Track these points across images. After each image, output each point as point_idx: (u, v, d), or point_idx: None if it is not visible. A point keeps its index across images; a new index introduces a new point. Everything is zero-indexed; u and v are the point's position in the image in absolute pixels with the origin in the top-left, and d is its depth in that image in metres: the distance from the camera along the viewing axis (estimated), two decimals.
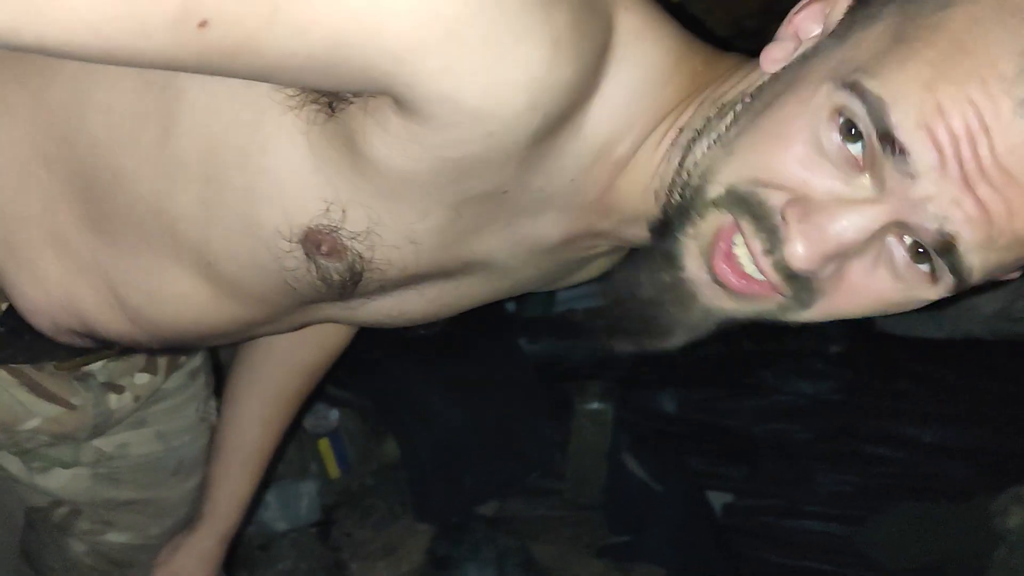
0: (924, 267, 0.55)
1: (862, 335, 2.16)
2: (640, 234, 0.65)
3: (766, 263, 0.56)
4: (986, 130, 0.50)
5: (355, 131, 0.58)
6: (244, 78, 0.56)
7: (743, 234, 0.57)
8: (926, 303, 0.59)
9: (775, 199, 0.55)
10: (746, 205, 0.56)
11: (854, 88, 0.52)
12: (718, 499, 2.23)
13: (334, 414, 1.97)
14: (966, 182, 0.51)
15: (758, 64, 0.62)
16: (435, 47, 0.50)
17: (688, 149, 0.61)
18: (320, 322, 0.82)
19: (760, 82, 0.61)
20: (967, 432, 2.10)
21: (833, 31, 0.58)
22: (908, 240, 0.55)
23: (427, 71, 0.51)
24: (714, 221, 0.58)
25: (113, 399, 0.94)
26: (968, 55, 0.50)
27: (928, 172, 0.51)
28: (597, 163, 0.63)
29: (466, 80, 0.52)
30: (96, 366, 0.92)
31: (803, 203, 0.55)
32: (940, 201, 0.52)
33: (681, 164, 0.61)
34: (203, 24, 0.48)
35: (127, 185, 0.67)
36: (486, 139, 0.55)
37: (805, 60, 0.58)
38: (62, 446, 0.99)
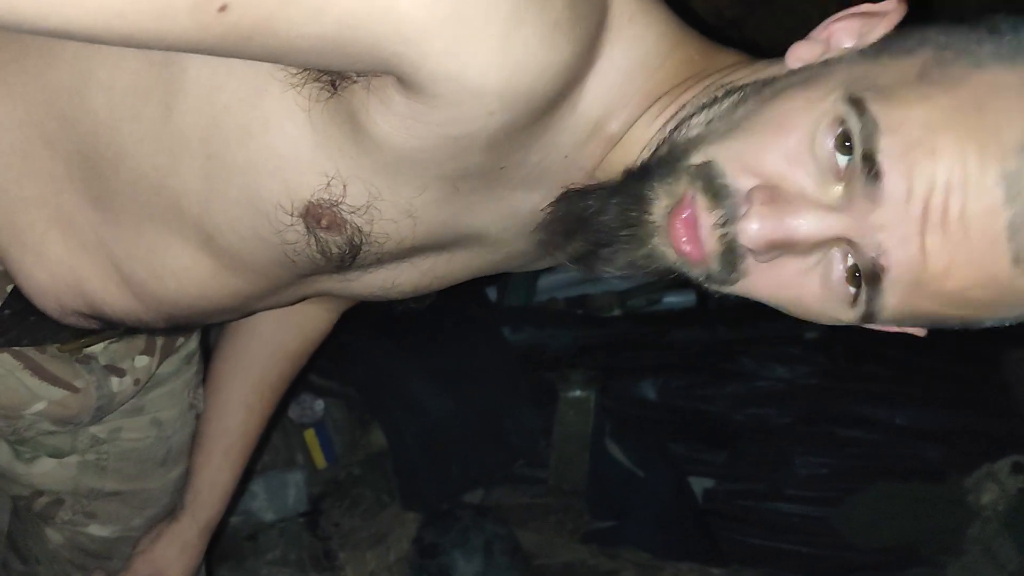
0: (852, 289, 0.58)
1: None
2: None
3: (711, 235, 0.59)
4: (965, 187, 0.52)
5: (357, 108, 0.60)
6: (255, 60, 0.57)
7: (697, 206, 0.60)
8: (838, 323, 0.62)
9: (745, 183, 0.58)
10: (710, 184, 0.59)
11: (857, 104, 0.55)
12: (699, 484, 2.26)
13: (320, 404, 1.98)
14: (921, 226, 0.53)
15: (772, 64, 0.64)
16: (441, 29, 0.52)
17: (689, 118, 0.63)
18: (317, 295, 0.83)
19: (778, 74, 0.63)
20: (940, 414, 2.14)
21: (864, 49, 0.60)
22: (850, 260, 0.58)
23: (432, 52, 0.53)
24: (681, 187, 0.61)
25: (115, 382, 0.95)
26: (980, 115, 0.52)
27: (891, 203, 0.53)
28: (591, 139, 0.65)
29: (469, 61, 0.54)
30: (98, 349, 0.93)
31: (772, 190, 0.57)
32: (890, 234, 0.54)
33: (677, 128, 0.63)
34: (223, 8, 0.50)
35: (129, 162, 0.68)
36: (487, 118, 0.57)
37: (827, 64, 0.60)
38: (61, 434, 0.99)
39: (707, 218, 0.59)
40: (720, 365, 2.24)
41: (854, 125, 0.54)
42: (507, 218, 0.71)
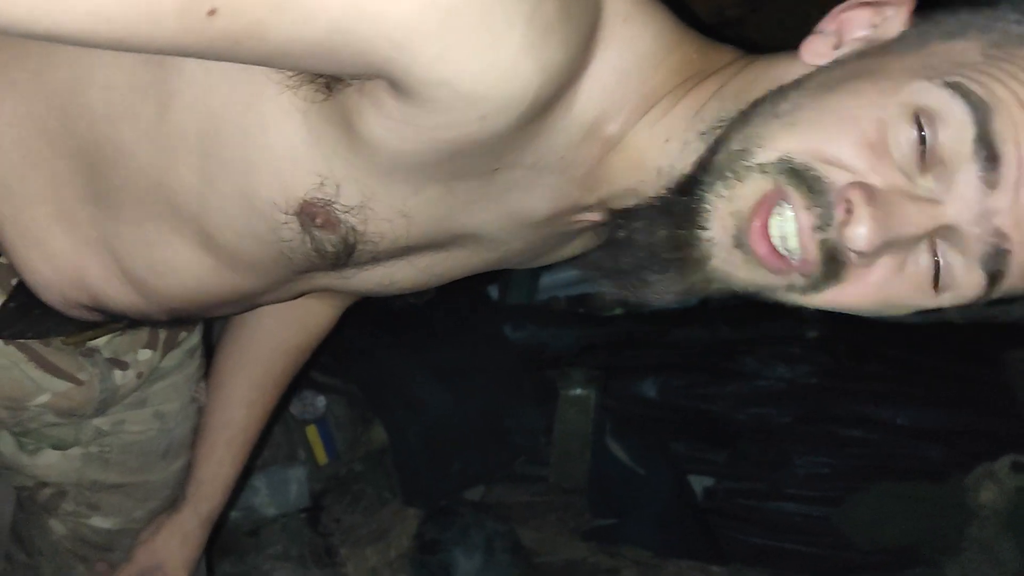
0: (936, 279, 0.57)
1: (838, 320, 2.19)
2: (629, 203, 0.67)
3: (812, 239, 0.56)
4: None
5: (351, 111, 0.60)
6: (245, 63, 0.57)
7: (793, 205, 0.56)
8: (919, 309, 0.60)
9: (836, 177, 0.55)
10: (801, 177, 0.56)
11: (957, 88, 0.53)
12: (699, 483, 2.27)
13: (321, 401, 1.98)
14: None
15: (777, 61, 0.63)
16: (432, 34, 0.52)
17: (726, 133, 0.60)
18: (315, 291, 0.84)
19: (805, 71, 0.61)
20: (941, 414, 2.15)
21: (902, 38, 0.59)
22: (940, 251, 0.56)
23: (424, 57, 0.53)
24: (758, 186, 0.57)
25: (118, 375, 0.96)
26: None
27: (1007, 187, 0.53)
28: (586, 141, 0.65)
29: (461, 65, 0.54)
30: (101, 342, 0.94)
31: (868, 188, 0.55)
32: (1005, 217, 0.53)
33: (718, 134, 0.61)
34: (212, 12, 0.49)
35: (128, 160, 0.68)
36: (479, 121, 0.57)
37: (867, 55, 0.59)
38: (65, 425, 1.00)
39: (807, 218, 0.55)
40: (721, 364, 2.25)
41: (958, 110, 0.53)
42: (503, 218, 0.71)
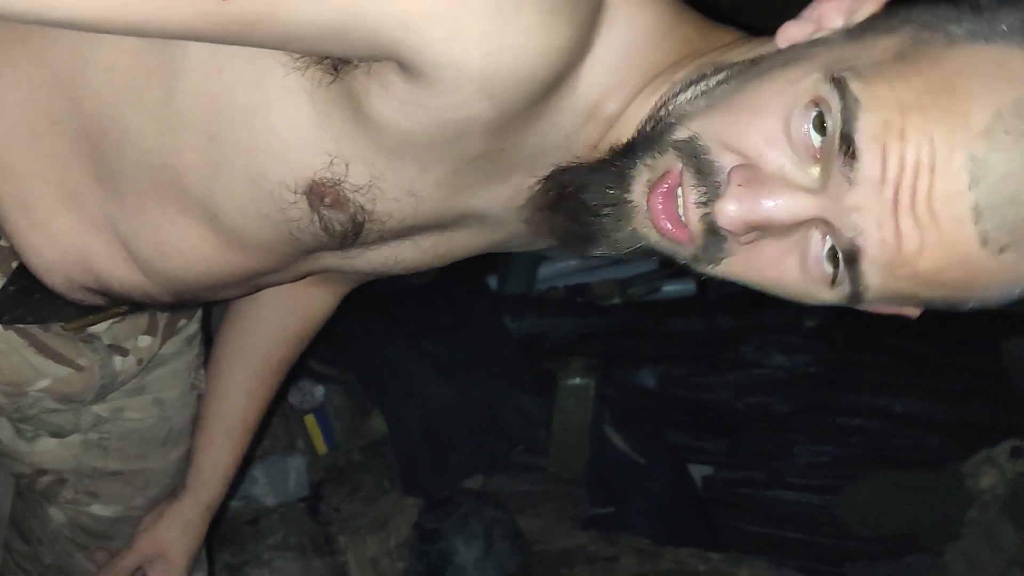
0: (830, 269, 0.58)
1: (837, 309, 2.20)
2: None
3: (694, 213, 0.59)
4: (932, 170, 0.52)
5: (359, 92, 0.60)
6: (258, 47, 0.58)
7: (683, 182, 0.59)
8: (821, 303, 0.62)
9: (726, 161, 0.58)
10: (696, 159, 0.59)
11: (838, 84, 0.54)
12: (698, 472, 2.28)
13: (320, 391, 1.98)
14: (894, 208, 0.53)
15: (765, 42, 0.64)
16: (441, 15, 0.53)
17: (675, 95, 0.63)
18: (320, 272, 0.84)
19: (767, 53, 0.63)
20: (939, 402, 2.16)
21: (850, 29, 0.60)
22: (828, 241, 0.57)
23: (434, 38, 0.54)
24: (668, 161, 0.60)
25: (118, 361, 0.96)
26: (950, 96, 0.53)
27: (866, 185, 0.54)
28: (589, 120, 0.66)
29: (470, 47, 0.54)
30: (101, 328, 0.93)
31: (750, 171, 0.57)
32: (865, 215, 0.54)
33: (664, 104, 0.64)
34: None
35: (133, 141, 0.68)
36: (488, 102, 0.58)
37: (813, 44, 0.60)
38: (64, 412, 1.00)
39: (691, 194, 0.59)
40: (720, 354, 2.26)
41: (834, 104, 0.54)
42: (508, 198, 0.71)
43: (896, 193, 0.53)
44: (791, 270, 0.59)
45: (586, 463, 2.18)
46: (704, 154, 0.59)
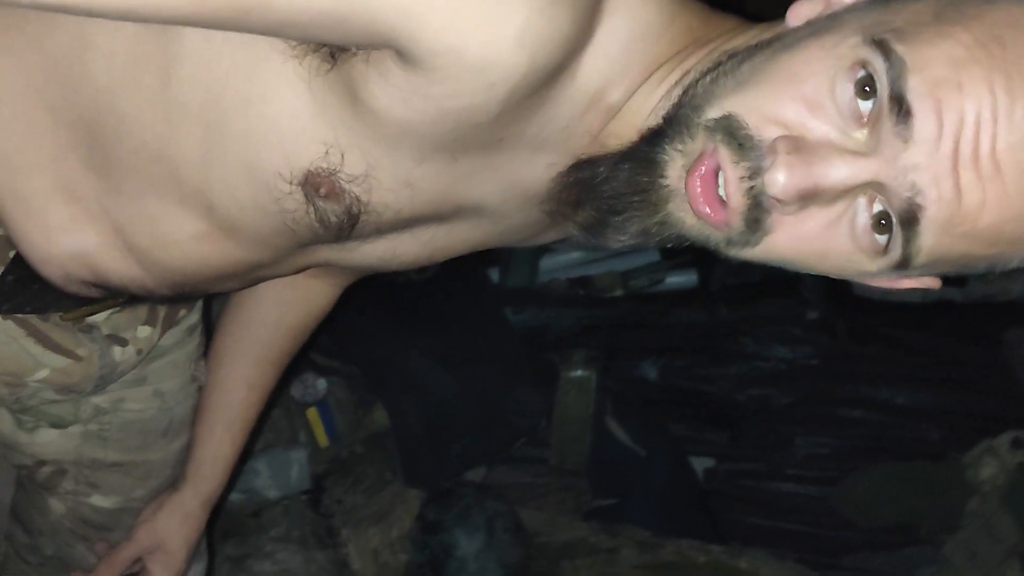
0: (881, 238, 0.57)
1: (838, 300, 2.20)
2: None
3: (737, 189, 0.58)
4: (995, 121, 0.52)
5: (356, 81, 0.60)
6: (254, 33, 0.58)
7: (722, 161, 0.58)
8: (863, 276, 0.61)
9: (768, 133, 0.57)
10: (733, 135, 0.58)
11: (881, 46, 0.54)
12: (700, 464, 2.28)
13: (322, 383, 1.98)
14: (954, 163, 0.53)
15: (771, 26, 0.64)
16: (440, 2, 0.53)
17: (695, 83, 0.62)
18: (318, 265, 0.84)
19: (782, 32, 0.62)
20: (940, 393, 2.15)
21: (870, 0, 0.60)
22: (877, 207, 0.57)
23: (432, 25, 0.54)
24: (700, 143, 0.59)
25: (117, 351, 0.96)
26: (1002, 47, 0.52)
27: (922, 142, 0.53)
28: (590, 110, 0.65)
29: (469, 34, 0.54)
30: (100, 318, 0.93)
31: (797, 140, 0.56)
32: (923, 173, 0.54)
33: (684, 92, 0.63)
34: None
35: (130, 130, 0.68)
36: (487, 90, 0.58)
37: (836, 15, 0.60)
38: (64, 403, 1.00)
39: (733, 171, 0.57)
40: (722, 345, 2.25)
41: (879, 66, 0.54)
42: (506, 189, 0.71)
43: (956, 147, 0.53)
44: (837, 240, 0.59)
45: (587, 455, 2.18)
46: (742, 129, 0.58)
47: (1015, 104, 0.52)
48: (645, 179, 0.61)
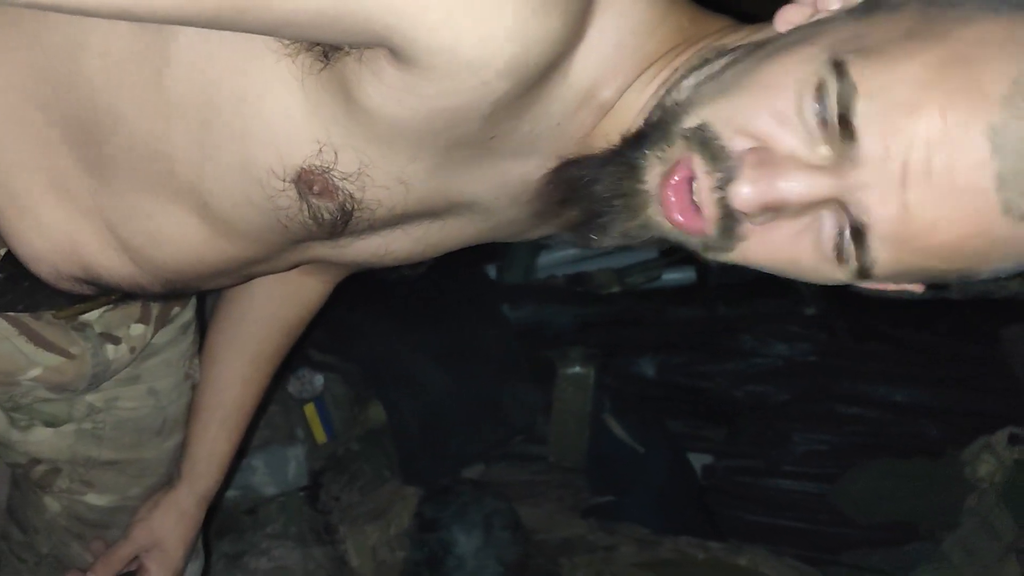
0: (839, 247, 0.59)
1: (836, 297, 2.20)
2: None
3: (709, 199, 0.59)
4: (950, 142, 0.53)
5: (350, 79, 0.60)
6: (250, 32, 0.58)
7: (696, 170, 0.59)
8: (837, 281, 0.62)
9: (739, 144, 0.58)
10: (707, 146, 0.59)
11: (838, 67, 0.55)
12: (698, 460, 2.28)
13: (319, 379, 1.98)
14: (902, 183, 0.54)
15: (760, 28, 0.65)
16: (434, 1, 0.53)
17: (679, 81, 0.63)
18: (312, 261, 0.84)
19: (768, 37, 0.63)
20: (938, 390, 2.15)
21: (853, 8, 0.60)
22: (838, 220, 0.58)
23: (425, 24, 0.54)
24: (678, 151, 0.60)
25: (110, 349, 0.95)
26: (965, 68, 0.53)
27: (870, 163, 0.54)
28: (582, 108, 0.66)
29: (463, 32, 0.54)
30: (93, 316, 0.93)
31: (764, 153, 0.58)
32: (869, 192, 0.55)
33: (669, 92, 0.64)
34: None
35: (123, 128, 0.68)
36: (480, 88, 0.58)
37: (818, 25, 0.61)
38: (58, 401, 1.00)
39: (706, 180, 0.59)
40: (720, 342, 2.25)
41: (831, 88, 0.55)
42: (498, 186, 0.72)
43: (904, 169, 0.54)
44: (805, 250, 0.60)
45: (585, 452, 2.19)
46: (715, 140, 0.59)
47: (972, 125, 0.52)
48: (626, 183, 0.62)
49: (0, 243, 0.78)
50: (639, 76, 0.66)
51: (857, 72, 0.55)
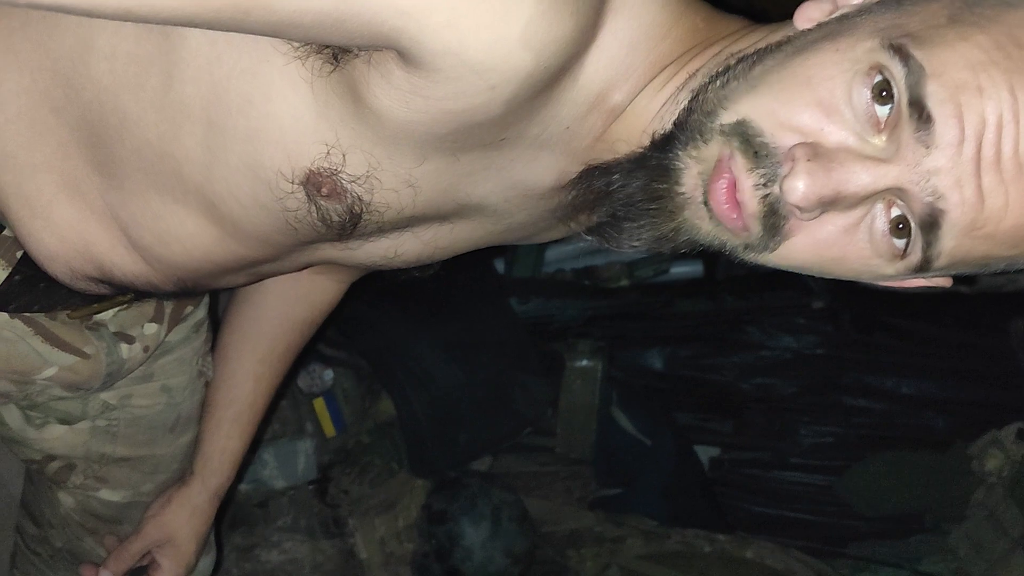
0: (899, 242, 0.57)
1: (843, 290, 2.20)
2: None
3: (752, 198, 0.57)
4: (1016, 123, 0.52)
5: (358, 82, 0.60)
6: (255, 34, 0.58)
7: (737, 168, 0.58)
8: (880, 279, 0.61)
9: (785, 140, 0.57)
10: (750, 143, 0.57)
11: (899, 51, 0.54)
12: (705, 453, 2.28)
13: (329, 374, 1.99)
14: (976, 167, 0.53)
15: (778, 28, 0.63)
16: (441, 3, 0.53)
17: (704, 87, 0.61)
18: (321, 263, 0.84)
19: (792, 35, 0.61)
20: (946, 383, 2.15)
21: (881, 0, 0.59)
22: (895, 212, 0.57)
23: (432, 26, 0.53)
24: (716, 149, 0.59)
25: (124, 349, 0.96)
26: (1021, 49, 0.52)
27: (944, 147, 0.53)
28: (592, 111, 0.65)
29: (470, 35, 0.54)
30: (107, 316, 0.94)
31: (814, 147, 0.56)
32: (945, 178, 0.54)
33: (695, 96, 0.62)
34: None
35: (133, 130, 0.68)
36: (487, 92, 0.57)
37: (847, 18, 0.59)
38: (72, 399, 1.01)
39: (747, 179, 0.57)
40: (727, 335, 2.25)
41: (897, 72, 0.54)
42: (508, 189, 0.71)
43: (978, 151, 0.52)
44: (855, 244, 0.59)
45: (593, 444, 2.19)
46: (758, 136, 0.57)
47: None
48: (661, 187, 0.61)
49: (17, 246, 0.79)
50: (651, 80, 0.65)
51: (919, 54, 0.53)
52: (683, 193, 0.60)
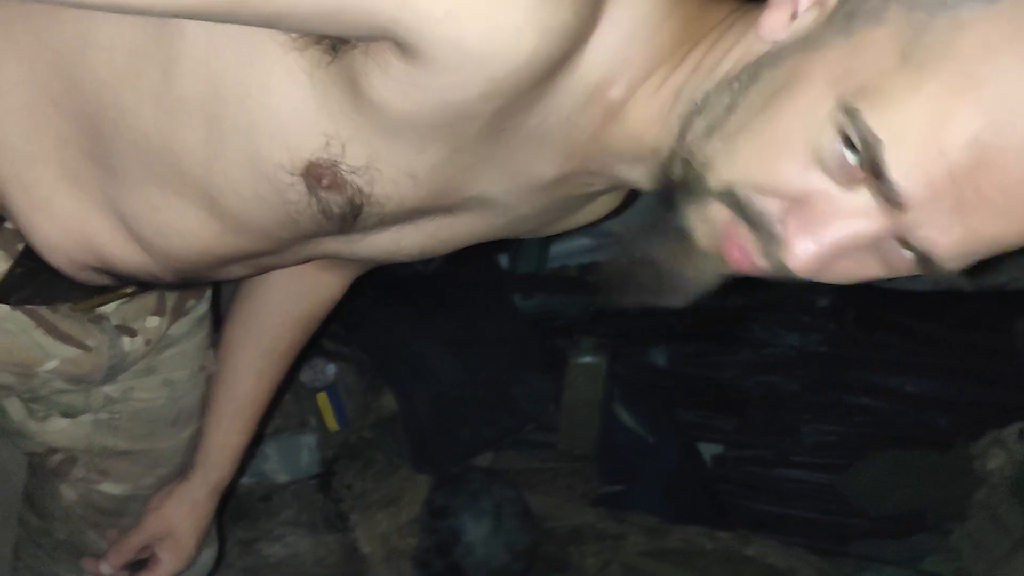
0: (909, 254, 0.57)
1: (847, 288, 2.19)
2: (635, 175, 0.68)
3: (763, 257, 0.60)
4: (988, 167, 0.50)
5: (357, 73, 0.59)
6: (250, 25, 0.58)
7: (740, 236, 0.60)
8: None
9: (774, 207, 0.58)
10: (743, 211, 0.59)
11: (853, 117, 0.53)
12: (708, 450, 2.29)
13: (331, 368, 2.00)
14: (959, 212, 0.52)
15: (751, 24, 0.63)
16: None
17: (688, 122, 0.62)
18: (322, 256, 0.84)
19: (757, 54, 0.61)
20: (949, 382, 2.15)
21: (834, 17, 0.58)
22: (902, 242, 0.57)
23: (430, 16, 0.53)
24: (719, 212, 0.60)
25: (126, 342, 0.96)
26: (978, 86, 0.50)
27: (918, 206, 0.53)
28: (590, 103, 0.65)
29: (469, 25, 0.53)
30: (109, 308, 0.94)
31: (802, 210, 0.56)
32: (928, 229, 0.53)
33: (682, 137, 0.62)
34: None
35: (131, 123, 0.68)
36: (487, 82, 0.57)
37: (805, 48, 0.58)
38: (75, 392, 1.01)
39: (754, 245, 0.60)
40: (731, 333, 2.25)
41: (856, 138, 0.53)
42: (509, 180, 0.71)
43: (957, 199, 0.52)
44: (871, 267, 0.60)
45: (596, 441, 2.19)
46: (747, 205, 0.58)
47: (1007, 143, 0.50)
48: (682, 248, 0.63)
49: (18, 239, 0.79)
50: (649, 76, 0.65)
51: (872, 120, 0.52)
52: (701, 247, 0.63)
